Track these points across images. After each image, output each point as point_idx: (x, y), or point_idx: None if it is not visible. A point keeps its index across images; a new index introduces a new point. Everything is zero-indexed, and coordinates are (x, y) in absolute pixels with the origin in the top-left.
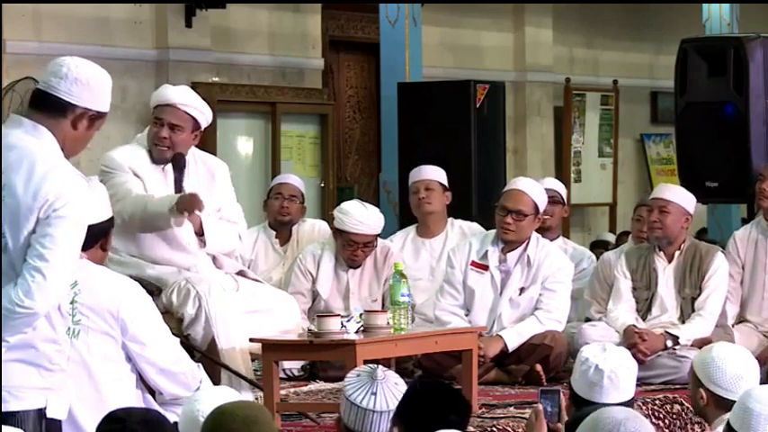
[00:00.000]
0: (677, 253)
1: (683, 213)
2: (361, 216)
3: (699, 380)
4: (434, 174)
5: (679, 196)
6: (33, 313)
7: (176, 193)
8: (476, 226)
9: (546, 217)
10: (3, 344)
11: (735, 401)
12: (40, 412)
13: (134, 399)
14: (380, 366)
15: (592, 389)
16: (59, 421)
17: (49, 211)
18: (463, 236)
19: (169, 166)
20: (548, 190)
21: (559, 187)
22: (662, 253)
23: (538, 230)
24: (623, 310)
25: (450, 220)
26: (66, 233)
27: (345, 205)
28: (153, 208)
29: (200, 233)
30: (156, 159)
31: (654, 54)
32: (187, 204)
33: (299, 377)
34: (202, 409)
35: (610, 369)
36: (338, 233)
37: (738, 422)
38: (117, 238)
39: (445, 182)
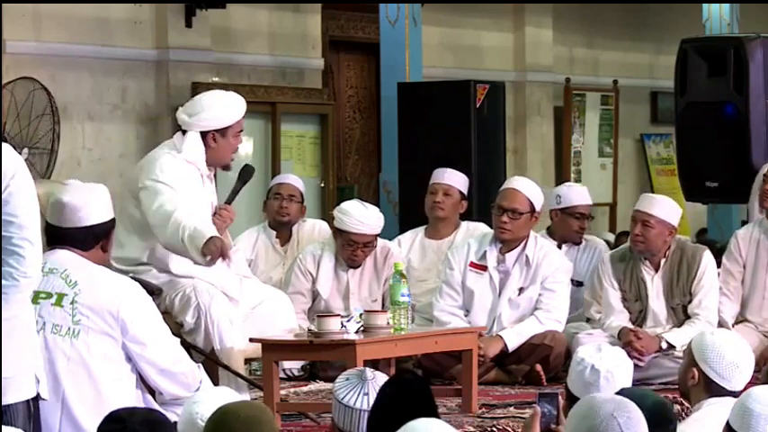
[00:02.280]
0: (663, 261)
1: (666, 227)
2: (361, 216)
3: (694, 359)
4: (457, 180)
5: (663, 210)
6: (35, 280)
7: (228, 202)
8: (482, 226)
9: (577, 231)
10: None
11: (723, 388)
12: (28, 403)
13: (134, 399)
14: (368, 368)
15: (588, 389)
16: (38, 405)
17: (7, 182)
18: (468, 236)
19: (211, 176)
20: (582, 206)
21: (589, 200)
22: (648, 262)
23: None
24: (617, 318)
25: (461, 223)
26: (29, 197)
27: (345, 205)
28: (185, 239)
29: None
30: (225, 168)
31: (654, 54)
32: (212, 252)
33: (299, 377)
34: (201, 411)
35: (606, 369)
36: (338, 233)
37: (738, 422)
38: (138, 244)
39: (465, 190)
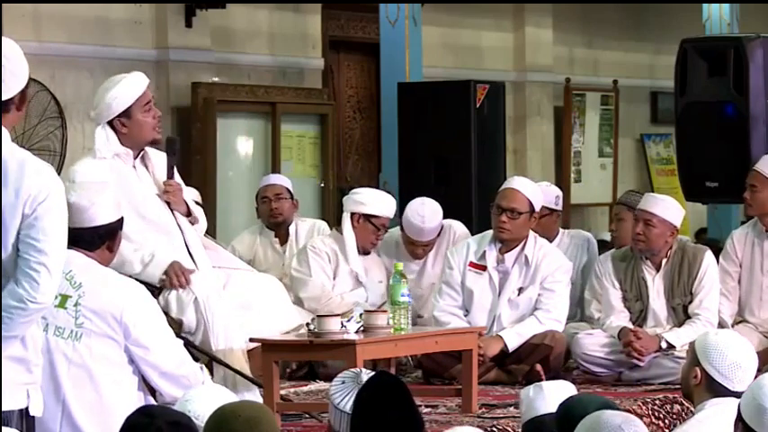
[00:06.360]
0: (664, 261)
1: (668, 227)
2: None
3: (697, 358)
4: (437, 225)
5: (666, 210)
6: (44, 307)
7: (169, 177)
8: (458, 225)
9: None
10: None
11: (726, 388)
12: (21, 412)
13: (136, 402)
14: (364, 370)
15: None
16: (33, 420)
17: (35, 205)
18: (449, 239)
19: (138, 163)
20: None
21: (549, 197)
22: (649, 261)
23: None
24: (617, 318)
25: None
26: (56, 223)
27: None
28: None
29: (188, 213)
30: (153, 143)
31: (654, 54)
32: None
33: (296, 370)
34: (194, 409)
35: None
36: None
37: (750, 414)
38: None
39: (442, 220)
